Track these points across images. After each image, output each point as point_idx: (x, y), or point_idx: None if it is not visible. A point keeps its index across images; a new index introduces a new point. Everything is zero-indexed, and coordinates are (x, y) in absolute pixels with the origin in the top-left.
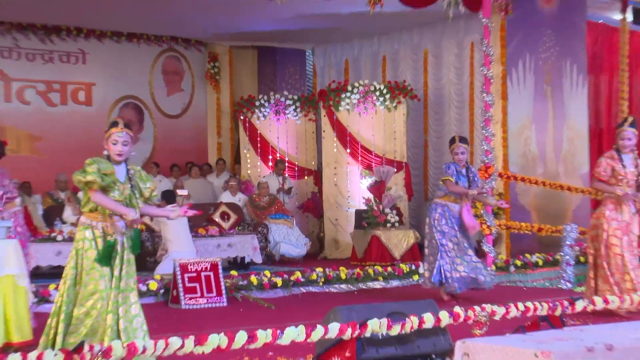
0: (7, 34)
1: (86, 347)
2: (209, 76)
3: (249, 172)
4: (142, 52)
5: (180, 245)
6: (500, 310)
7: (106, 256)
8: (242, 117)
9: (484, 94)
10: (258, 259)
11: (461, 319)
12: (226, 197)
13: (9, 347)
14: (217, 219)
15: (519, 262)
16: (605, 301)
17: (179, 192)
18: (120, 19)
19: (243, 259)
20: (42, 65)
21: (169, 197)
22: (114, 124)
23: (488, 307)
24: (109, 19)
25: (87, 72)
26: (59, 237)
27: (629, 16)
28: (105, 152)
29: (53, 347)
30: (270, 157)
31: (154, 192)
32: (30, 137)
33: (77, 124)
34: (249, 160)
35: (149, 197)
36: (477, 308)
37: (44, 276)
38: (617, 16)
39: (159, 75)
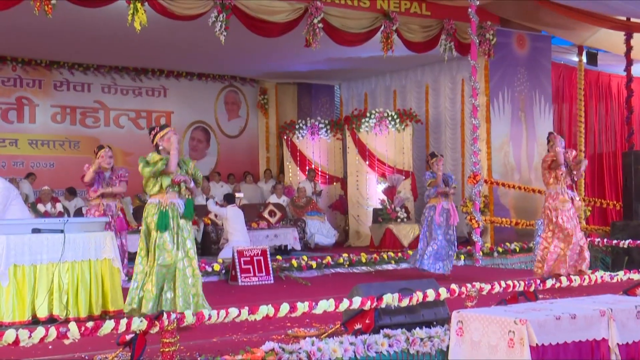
0: (107, 75)
1: (164, 315)
2: (260, 105)
3: (290, 179)
4: (209, 87)
5: (238, 236)
6: (486, 287)
7: (162, 223)
8: (285, 137)
9: (472, 119)
10: (297, 246)
11: (456, 294)
12: (273, 198)
13: (105, 314)
14: (266, 216)
15: (500, 249)
16: (569, 280)
17: (237, 194)
18: (193, 62)
19: (286, 246)
20: (133, 98)
21: (229, 198)
22: (166, 126)
23: (477, 285)
24: (184, 62)
25: (167, 103)
26: None
27: (584, 58)
28: (160, 147)
29: (140, 314)
30: (307, 167)
31: (199, 175)
32: (123, 153)
33: None
34: (290, 170)
35: (193, 173)
36: (468, 285)
37: (134, 260)
38: (575, 58)
39: (221, 105)
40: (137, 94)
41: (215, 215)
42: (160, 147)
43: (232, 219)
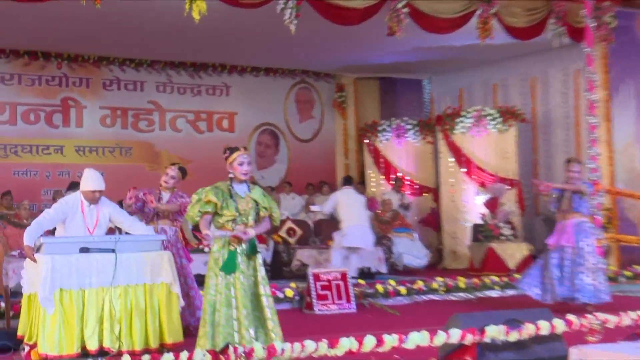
0: (162, 71)
1: (230, 349)
2: (336, 104)
3: (372, 189)
4: (277, 84)
5: (353, 221)
6: (612, 319)
7: (229, 264)
8: (366, 141)
9: (589, 117)
10: (383, 269)
11: (575, 327)
12: None
13: (162, 348)
14: (283, 235)
15: (628, 273)
16: None
17: (312, 207)
18: (259, 55)
19: (369, 269)
20: (191, 97)
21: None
22: (236, 149)
23: (601, 316)
24: (249, 56)
25: (230, 103)
26: (206, 249)
27: None
28: (230, 175)
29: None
30: (393, 176)
31: (275, 211)
32: (181, 160)
33: (221, 148)
34: (373, 180)
35: (270, 213)
36: (590, 317)
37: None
38: None
39: (292, 104)
40: (196, 92)
41: (306, 212)
42: (231, 175)
43: (344, 202)
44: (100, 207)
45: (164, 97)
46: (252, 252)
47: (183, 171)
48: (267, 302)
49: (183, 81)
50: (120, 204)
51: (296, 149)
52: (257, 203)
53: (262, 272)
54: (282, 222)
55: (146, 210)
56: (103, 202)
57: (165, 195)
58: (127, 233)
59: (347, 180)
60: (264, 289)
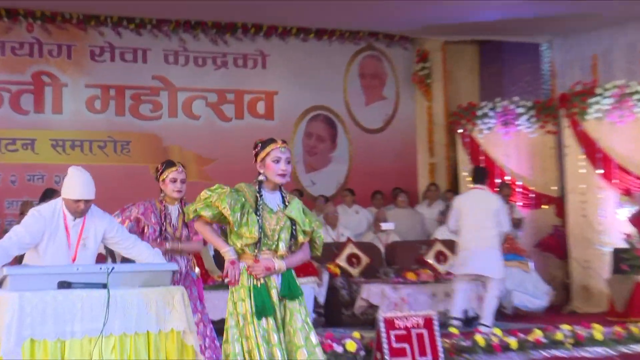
0: (173, 35)
1: None
2: (417, 79)
3: None
4: (334, 52)
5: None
6: None
7: (259, 304)
8: (460, 130)
9: None
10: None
11: None
12: (442, 232)
13: None
14: (430, 261)
15: None
16: None
17: (383, 225)
18: (308, 12)
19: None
20: (213, 71)
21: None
22: (272, 140)
23: None
24: (294, 13)
25: (267, 78)
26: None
27: None
28: (261, 177)
29: None
30: (497, 180)
31: (318, 236)
32: (199, 160)
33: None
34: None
35: (310, 233)
36: None
37: (217, 332)
38: None
39: (355, 79)
40: (220, 64)
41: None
42: (261, 177)
43: (468, 211)
44: (89, 222)
45: (175, 71)
46: (288, 294)
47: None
48: (309, 355)
49: (202, 48)
50: None
51: (360, 142)
52: (293, 223)
53: (304, 314)
54: (342, 245)
55: (147, 233)
56: (93, 214)
57: (174, 211)
58: (124, 260)
59: (479, 175)
60: (307, 337)
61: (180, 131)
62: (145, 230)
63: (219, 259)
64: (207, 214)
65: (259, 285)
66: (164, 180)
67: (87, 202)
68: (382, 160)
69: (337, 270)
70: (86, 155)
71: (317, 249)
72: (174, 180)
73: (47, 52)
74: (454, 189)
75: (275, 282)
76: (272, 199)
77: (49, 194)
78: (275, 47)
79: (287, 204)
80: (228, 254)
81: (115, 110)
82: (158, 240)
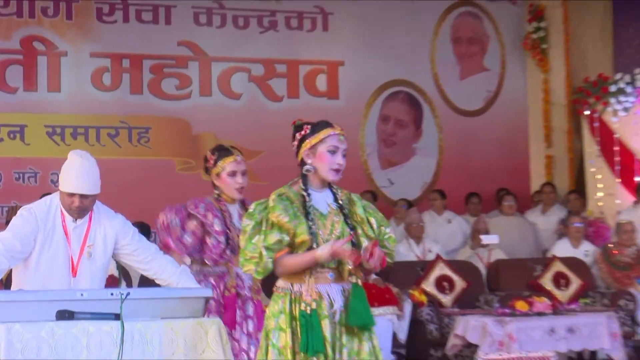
0: None
1: None
2: (529, 45)
3: (599, 204)
4: (418, 8)
5: None
6: None
7: (309, 339)
8: (587, 112)
9: None
10: (619, 354)
11: None
12: (562, 247)
13: None
14: (548, 286)
15: None
16: None
17: (485, 239)
18: None
19: (594, 353)
20: (258, 35)
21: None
22: (326, 124)
23: None
24: None
25: (329, 44)
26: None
27: None
28: (308, 167)
29: None
30: (638, 178)
31: (388, 237)
32: (244, 152)
33: None
34: (600, 185)
35: (382, 239)
36: None
37: None
38: None
39: (446, 45)
40: (269, 26)
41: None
42: (308, 167)
43: None
44: (96, 225)
45: (208, 36)
46: (360, 322)
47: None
48: None
49: (243, 5)
50: (145, 229)
51: (454, 129)
52: (352, 227)
53: (373, 352)
54: (429, 265)
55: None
56: (101, 214)
57: (234, 213)
58: (142, 282)
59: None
60: None
61: (214, 114)
62: (208, 242)
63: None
64: (277, 242)
65: (308, 310)
66: (218, 174)
67: (85, 197)
68: (483, 152)
69: (423, 298)
70: (92, 146)
71: (390, 255)
72: (233, 174)
73: (41, 10)
74: (579, 189)
75: (333, 305)
76: (320, 199)
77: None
78: (338, 4)
79: (341, 202)
80: (325, 249)
81: (130, 87)
82: (224, 254)
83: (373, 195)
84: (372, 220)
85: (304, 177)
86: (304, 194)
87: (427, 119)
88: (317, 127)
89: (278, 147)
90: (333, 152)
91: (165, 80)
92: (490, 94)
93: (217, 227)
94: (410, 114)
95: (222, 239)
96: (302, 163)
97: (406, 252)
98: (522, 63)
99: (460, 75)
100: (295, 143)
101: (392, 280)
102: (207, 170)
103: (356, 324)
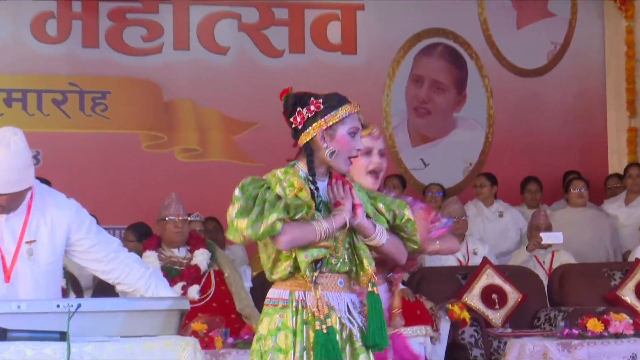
0: None
1: None
2: None
3: None
4: None
5: None
6: None
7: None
8: None
9: None
10: None
11: None
12: None
13: None
14: (630, 299)
15: None
16: None
17: (546, 237)
18: None
19: None
20: None
21: None
22: (342, 100)
23: None
24: None
25: None
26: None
27: None
28: (329, 149)
29: None
30: None
31: (410, 227)
32: (227, 124)
33: (325, 91)
34: None
35: (399, 223)
36: None
37: None
38: None
39: None
40: None
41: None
42: (332, 149)
43: None
44: (37, 215)
45: None
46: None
47: None
48: None
49: None
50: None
51: (509, 93)
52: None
53: None
54: (475, 272)
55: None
56: (46, 200)
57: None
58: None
59: None
60: None
61: (193, 75)
62: None
63: (260, 294)
64: (278, 214)
65: (324, 329)
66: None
67: (1, 195)
68: (545, 125)
69: (466, 315)
70: (32, 115)
71: (413, 242)
72: (368, 152)
73: None
74: None
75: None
76: (325, 189)
77: None
78: None
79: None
80: (341, 214)
81: (81, 38)
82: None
83: (401, 181)
84: (380, 205)
85: (311, 164)
86: (311, 186)
87: (472, 81)
88: (332, 101)
89: (276, 118)
90: (353, 135)
91: (129, 30)
92: (556, 49)
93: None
94: (451, 74)
95: None
96: (308, 146)
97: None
98: (598, 7)
99: (518, 22)
100: (299, 119)
101: (425, 292)
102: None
103: (370, 343)
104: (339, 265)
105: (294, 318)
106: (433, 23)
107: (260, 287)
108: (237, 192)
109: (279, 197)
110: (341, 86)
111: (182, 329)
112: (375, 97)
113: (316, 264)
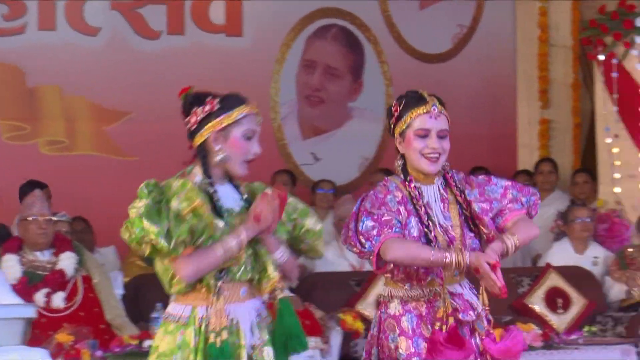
0: None
1: None
2: None
3: (616, 190)
4: None
5: None
6: None
7: None
8: (601, 57)
9: None
10: None
11: None
12: (561, 252)
13: None
14: (538, 308)
15: None
16: None
17: None
18: None
19: None
20: None
21: None
22: (240, 100)
23: None
24: None
25: None
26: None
27: None
28: (223, 156)
29: None
30: None
31: (313, 233)
32: (96, 113)
33: (207, 77)
34: (617, 163)
35: (298, 234)
36: None
37: None
38: None
39: None
40: None
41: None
42: (223, 156)
43: None
44: None
45: None
46: (298, 349)
47: None
48: None
49: None
50: None
51: (410, 80)
52: None
53: None
54: (367, 279)
55: None
56: None
57: (431, 194)
58: None
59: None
60: None
61: (60, 58)
62: None
63: (133, 302)
64: (188, 233)
65: (218, 343)
66: (403, 133)
67: None
68: (451, 115)
69: (359, 325)
70: None
71: (314, 252)
72: (425, 134)
73: None
74: (588, 168)
75: (256, 332)
76: (226, 194)
77: None
78: None
79: (246, 195)
80: (251, 230)
81: None
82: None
83: (290, 177)
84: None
85: (206, 169)
86: (210, 189)
87: (370, 67)
88: (228, 102)
89: (152, 107)
90: (249, 138)
91: None
92: (462, 31)
93: (413, 219)
94: (347, 59)
95: (418, 231)
96: (202, 148)
97: (336, 259)
98: None
99: (421, 3)
100: (194, 119)
101: (315, 300)
102: (392, 131)
103: (297, 350)
104: (240, 273)
105: (196, 338)
106: (327, 3)
107: (133, 294)
108: (144, 188)
109: (176, 214)
110: (225, 72)
111: (45, 341)
112: (262, 84)
113: (220, 272)
